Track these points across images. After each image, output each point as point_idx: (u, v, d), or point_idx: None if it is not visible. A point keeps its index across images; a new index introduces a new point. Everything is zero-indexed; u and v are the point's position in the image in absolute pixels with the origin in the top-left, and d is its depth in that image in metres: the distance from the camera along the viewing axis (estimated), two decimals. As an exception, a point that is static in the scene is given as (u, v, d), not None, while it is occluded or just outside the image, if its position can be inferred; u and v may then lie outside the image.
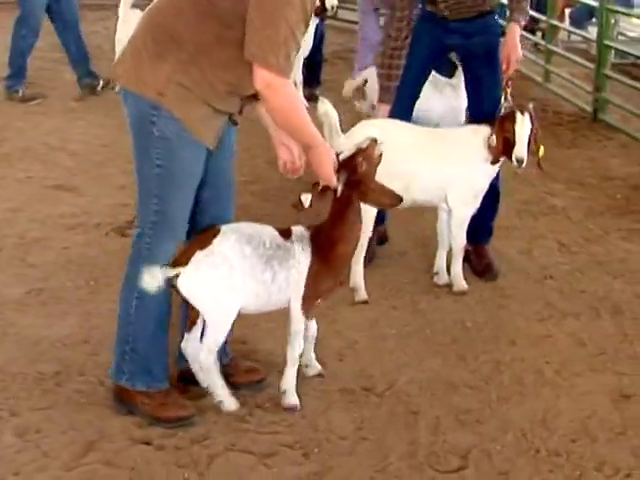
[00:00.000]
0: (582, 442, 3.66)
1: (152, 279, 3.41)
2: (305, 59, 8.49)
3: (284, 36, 3.21)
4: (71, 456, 3.46)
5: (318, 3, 7.08)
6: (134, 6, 8.29)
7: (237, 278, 3.50)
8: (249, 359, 4.13)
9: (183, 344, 3.70)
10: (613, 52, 9.68)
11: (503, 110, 4.88)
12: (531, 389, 4.04)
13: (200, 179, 3.57)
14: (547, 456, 3.56)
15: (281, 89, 3.29)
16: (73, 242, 5.48)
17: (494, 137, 4.74)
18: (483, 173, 4.88)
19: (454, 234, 4.93)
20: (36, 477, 3.34)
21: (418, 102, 5.25)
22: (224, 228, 3.57)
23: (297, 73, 8.53)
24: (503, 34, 4.98)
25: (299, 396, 3.79)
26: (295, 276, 3.63)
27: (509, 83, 4.95)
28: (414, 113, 5.23)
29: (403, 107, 5.12)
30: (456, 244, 4.94)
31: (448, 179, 4.82)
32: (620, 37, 11.57)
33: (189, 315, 3.68)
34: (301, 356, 3.83)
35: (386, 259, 5.30)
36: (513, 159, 4.73)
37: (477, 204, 4.92)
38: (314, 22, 8.02)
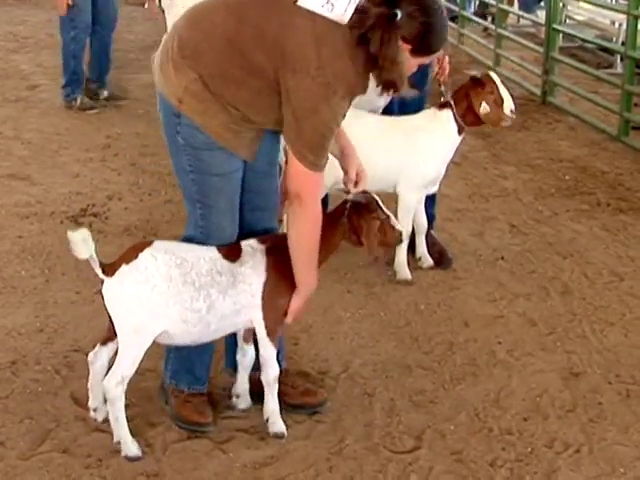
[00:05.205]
0: (533, 420, 3.72)
1: (80, 239, 3.15)
2: None
3: (313, 139, 3.15)
4: (28, 445, 3.47)
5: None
6: None
7: (159, 300, 3.23)
8: (299, 363, 4.07)
9: (91, 356, 3.46)
10: (561, 36, 9.80)
11: (448, 97, 4.85)
12: (484, 369, 4.10)
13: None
14: (500, 434, 3.62)
15: (310, 208, 3.25)
16: (27, 231, 5.46)
17: (484, 104, 4.74)
18: (440, 158, 4.88)
19: (399, 220, 4.88)
20: (-7, 466, 3.35)
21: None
22: (157, 245, 3.31)
23: None
24: None
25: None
26: (248, 299, 3.38)
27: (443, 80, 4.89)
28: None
29: None
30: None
31: (401, 167, 4.82)
32: (568, 21, 11.72)
33: (108, 327, 3.39)
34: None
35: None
36: (507, 112, 4.76)
37: (429, 191, 4.94)
38: None
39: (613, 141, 7.64)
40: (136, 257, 3.25)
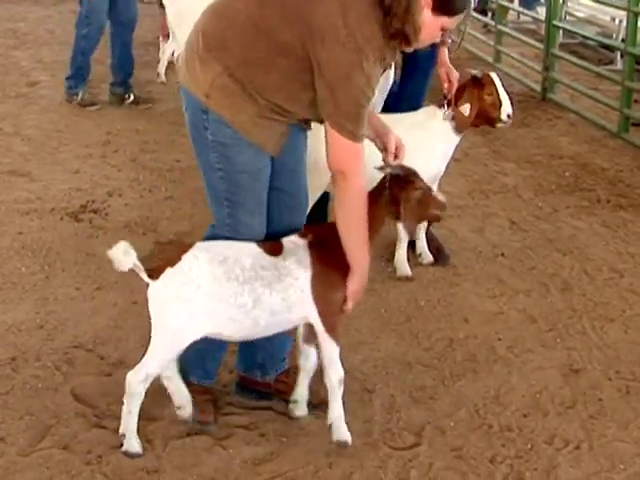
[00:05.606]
0: (533, 416, 3.73)
1: (122, 253, 3.16)
2: None
3: (350, 108, 3.12)
4: (28, 441, 3.47)
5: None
6: None
7: (203, 301, 3.21)
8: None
9: None
10: (561, 32, 9.79)
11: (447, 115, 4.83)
12: (484, 365, 4.11)
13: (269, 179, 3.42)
14: (499, 431, 3.62)
15: (355, 182, 3.21)
16: (27, 227, 5.46)
17: (467, 105, 4.75)
18: (440, 155, 4.89)
19: None
20: (-7, 463, 3.35)
21: None
22: (198, 245, 3.29)
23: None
24: None
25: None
26: (298, 294, 3.29)
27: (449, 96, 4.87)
28: None
29: None
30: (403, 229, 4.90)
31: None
32: (568, 17, 11.71)
33: None
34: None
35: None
36: (504, 116, 4.79)
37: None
38: None
39: (613, 138, 7.63)
40: (179, 259, 3.24)
